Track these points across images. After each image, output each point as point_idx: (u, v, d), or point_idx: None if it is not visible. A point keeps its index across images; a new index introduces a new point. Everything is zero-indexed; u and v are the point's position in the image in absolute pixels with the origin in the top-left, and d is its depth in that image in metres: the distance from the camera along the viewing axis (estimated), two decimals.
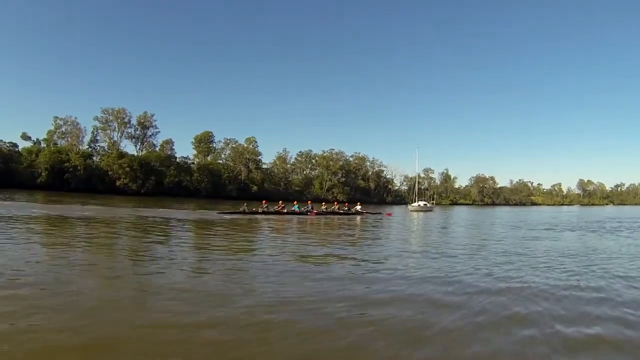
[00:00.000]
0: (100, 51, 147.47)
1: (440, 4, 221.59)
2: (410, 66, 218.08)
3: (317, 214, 36.14)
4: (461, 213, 62.90)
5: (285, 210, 34.78)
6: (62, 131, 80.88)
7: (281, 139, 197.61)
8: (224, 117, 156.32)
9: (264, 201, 36.95)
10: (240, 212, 32.36)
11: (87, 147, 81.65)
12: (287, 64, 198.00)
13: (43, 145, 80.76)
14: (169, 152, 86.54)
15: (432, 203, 79.20)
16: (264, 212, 33.29)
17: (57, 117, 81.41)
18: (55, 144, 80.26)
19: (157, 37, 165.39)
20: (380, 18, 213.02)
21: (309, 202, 41.54)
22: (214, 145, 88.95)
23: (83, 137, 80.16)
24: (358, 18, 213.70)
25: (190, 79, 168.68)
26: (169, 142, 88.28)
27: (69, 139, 78.75)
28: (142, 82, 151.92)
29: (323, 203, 45.33)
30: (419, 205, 67.84)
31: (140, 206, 39.54)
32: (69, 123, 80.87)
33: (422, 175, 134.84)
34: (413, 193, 79.07)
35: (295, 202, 39.93)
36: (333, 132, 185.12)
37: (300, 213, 35.43)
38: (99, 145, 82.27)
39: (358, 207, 45.08)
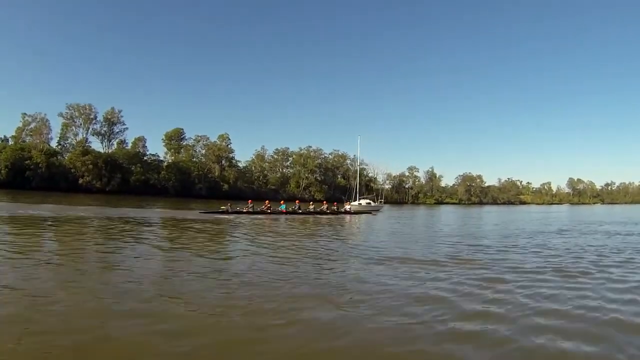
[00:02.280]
0: (75, 48, 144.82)
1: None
2: (396, 65, 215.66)
3: (305, 213, 36.33)
4: (421, 216, 51.25)
5: (271, 210, 34.82)
6: (31, 128, 79.14)
7: (259, 137, 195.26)
8: (201, 116, 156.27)
9: (249, 200, 37.40)
10: (224, 212, 32.11)
11: (57, 144, 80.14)
12: (267, 62, 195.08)
13: (11, 142, 78.98)
14: (141, 150, 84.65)
15: (380, 201, 63.77)
16: (249, 212, 32.97)
17: (25, 114, 79.67)
18: (24, 141, 78.29)
19: (136, 35, 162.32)
20: (370, 17, 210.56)
21: (297, 201, 41.62)
22: (185, 142, 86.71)
23: (49, 133, 78.18)
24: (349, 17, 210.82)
25: (165, 78, 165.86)
26: (141, 140, 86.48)
27: (33, 136, 76.57)
28: (116, 79, 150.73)
29: (311, 202, 45.25)
30: (360, 204, 54.52)
31: (104, 205, 37.79)
32: (37, 120, 79.05)
33: (406, 174, 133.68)
34: (354, 189, 61.87)
35: (282, 202, 39.79)
36: (313, 131, 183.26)
37: (289, 213, 35.38)
38: (68, 143, 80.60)
39: (347, 207, 45.13)
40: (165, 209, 37.57)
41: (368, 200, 57.46)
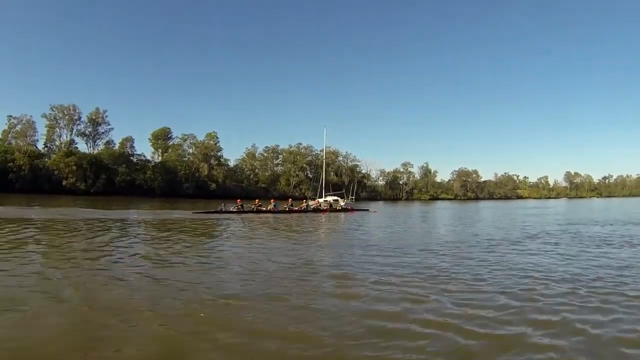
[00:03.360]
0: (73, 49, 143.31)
1: None
2: (393, 59, 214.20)
3: (299, 211, 37.02)
4: (410, 215, 44.98)
5: (264, 209, 35.27)
6: (17, 130, 78.17)
7: (251, 137, 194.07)
8: (190, 116, 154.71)
9: (238, 200, 37.44)
10: (217, 212, 32.42)
11: (44, 146, 79.14)
12: (257, 61, 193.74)
13: None
14: (128, 150, 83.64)
15: (351, 199, 55.00)
16: (239, 211, 33.35)
17: (11, 116, 78.63)
18: (10, 143, 77.31)
19: (125, 35, 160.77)
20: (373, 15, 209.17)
21: (289, 199, 42.69)
22: (172, 141, 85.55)
23: (34, 135, 77.25)
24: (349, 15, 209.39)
25: (155, 78, 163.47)
26: (129, 140, 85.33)
27: (17, 139, 75.51)
28: (105, 79, 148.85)
29: (304, 200, 45.20)
30: (325, 201, 46.97)
31: (89, 206, 36.86)
32: (23, 122, 78.14)
33: (400, 169, 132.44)
34: (319, 185, 53.35)
35: (272, 200, 39.72)
36: (307, 128, 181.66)
37: (280, 211, 35.89)
38: (55, 145, 79.65)
39: (342, 204, 44.51)
40: (155, 210, 37.42)
41: (335, 198, 49.26)
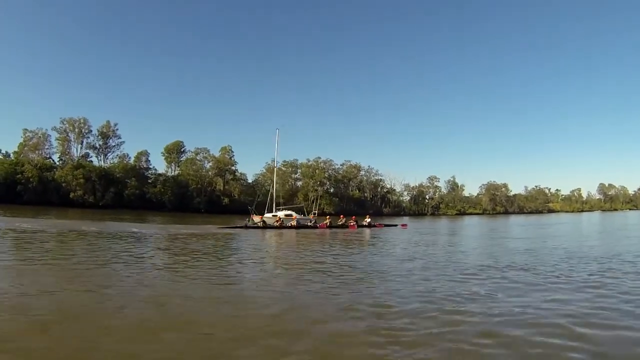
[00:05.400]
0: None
1: None
2: (424, 70, 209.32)
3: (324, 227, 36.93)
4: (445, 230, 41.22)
5: (290, 225, 36.59)
6: (32, 143, 76.82)
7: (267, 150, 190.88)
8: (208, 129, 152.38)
9: (260, 215, 38.35)
10: (242, 227, 33.54)
11: (59, 159, 77.76)
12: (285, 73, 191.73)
13: (12, 157, 76.97)
14: (143, 164, 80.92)
15: (314, 214, 45.16)
16: (266, 227, 34.73)
17: (26, 130, 77.88)
18: (26, 156, 76.07)
19: (140, 46, 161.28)
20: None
21: (312, 215, 42.20)
22: (186, 155, 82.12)
23: (49, 148, 75.98)
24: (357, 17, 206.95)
25: (172, 91, 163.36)
26: (143, 154, 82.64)
27: (28, 151, 74.09)
28: (125, 93, 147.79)
29: (328, 217, 43.39)
30: (275, 216, 40.33)
31: (94, 219, 37.27)
32: (39, 135, 77.06)
33: (426, 184, 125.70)
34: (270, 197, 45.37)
35: (294, 217, 39.74)
36: (327, 142, 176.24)
37: (306, 227, 36.50)
38: (69, 158, 77.85)
39: (368, 220, 40.85)
40: (189, 225, 36.19)
41: (289, 213, 42.12)
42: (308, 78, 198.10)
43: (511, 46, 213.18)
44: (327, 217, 39.26)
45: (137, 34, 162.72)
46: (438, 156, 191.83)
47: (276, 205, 44.45)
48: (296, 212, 43.15)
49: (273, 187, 48.66)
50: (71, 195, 67.58)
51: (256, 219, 37.30)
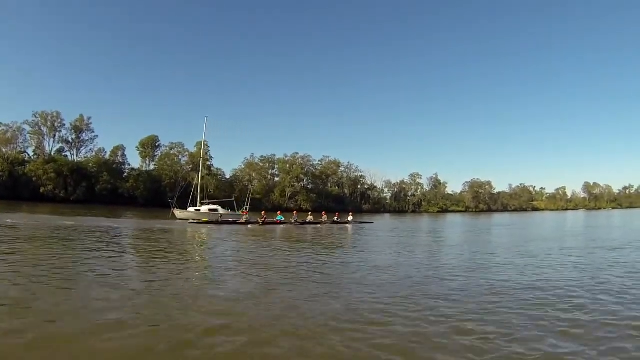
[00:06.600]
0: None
1: None
2: (406, 65, 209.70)
3: (302, 223, 35.48)
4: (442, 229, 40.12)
5: (269, 220, 34.69)
6: (5, 137, 76.43)
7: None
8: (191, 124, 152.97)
9: (243, 211, 38.66)
10: (214, 222, 33.62)
11: (33, 153, 77.26)
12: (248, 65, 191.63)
13: None
14: (119, 159, 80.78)
15: (245, 209, 40.48)
16: (246, 222, 34.01)
17: (1, 123, 77.31)
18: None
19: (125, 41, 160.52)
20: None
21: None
22: (160, 150, 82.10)
23: (17, 141, 75.34)
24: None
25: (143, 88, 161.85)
26: (120, 149, 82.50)
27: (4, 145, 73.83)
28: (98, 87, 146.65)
29: (309, 213, 42.47)
30: (196, 211, 39.28)
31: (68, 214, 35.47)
32: (13, 129, 76.61)
33: (408, 181, 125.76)
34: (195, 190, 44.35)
35: (279, 212, 38.63)
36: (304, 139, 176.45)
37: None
38: (40, 152, 77.42)
39: (350, 218, 40.64)
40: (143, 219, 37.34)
41: (214, 207, 40.48)
42: (299, 79, 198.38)
43: (495, 46, 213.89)
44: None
45: (124, 27, 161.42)
46: (421, 155, 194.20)
47: (201, 199, 43.17)
48: (225, 207, 41.75)
49: (199, 177, 47.51)
50: (41, 190, 67.35)
51: (178, 213, 37.12)
